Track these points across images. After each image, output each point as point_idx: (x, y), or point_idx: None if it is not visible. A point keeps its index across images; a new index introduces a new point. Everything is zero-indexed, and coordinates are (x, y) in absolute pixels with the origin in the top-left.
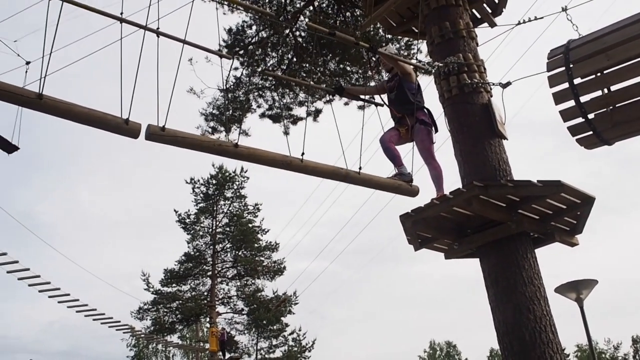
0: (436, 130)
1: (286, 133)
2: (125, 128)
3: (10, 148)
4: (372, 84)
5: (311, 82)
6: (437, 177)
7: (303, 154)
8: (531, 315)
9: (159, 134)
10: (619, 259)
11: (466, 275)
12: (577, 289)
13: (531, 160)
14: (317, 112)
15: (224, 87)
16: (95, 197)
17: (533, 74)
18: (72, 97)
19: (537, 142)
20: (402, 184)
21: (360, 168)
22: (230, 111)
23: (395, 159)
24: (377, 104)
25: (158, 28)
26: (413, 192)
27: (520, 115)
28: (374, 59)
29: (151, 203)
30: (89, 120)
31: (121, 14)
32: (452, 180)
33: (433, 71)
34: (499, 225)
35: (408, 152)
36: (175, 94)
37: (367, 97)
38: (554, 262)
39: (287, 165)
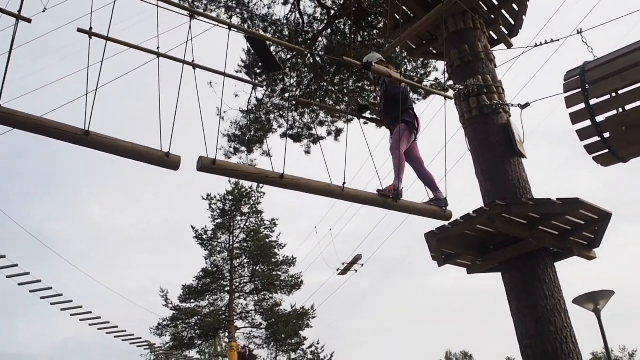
0: (417, 132)
1: (307, 152)
2: (166, 161)
3: (275, 66)
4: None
5: (342, 107)
6: (396, 166)
7: (344, 183)
8: (552, 328)
9: (210, 167)
10: (632, 266)
11: (481, 286)
12: (594, 300)
13: (545, 170)
14: (338, 131)
15: (247, 109)
16: (107, 213)
17: (550, 95)
18: (104, 125)
19: (551, 152)
20: (437, 209)
21: (396, 196)
22: (253, 132)
23: (430, 183)
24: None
25: (193, 61)
26: (447, 217)
27: (535, 127)
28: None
29: (165, 219)
30: (133, 155)
31: (158, 48)
32: (474, 198)
33: (453, 93)
34: (520, 241)
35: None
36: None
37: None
38: (568, 271)
39: (330, 193)
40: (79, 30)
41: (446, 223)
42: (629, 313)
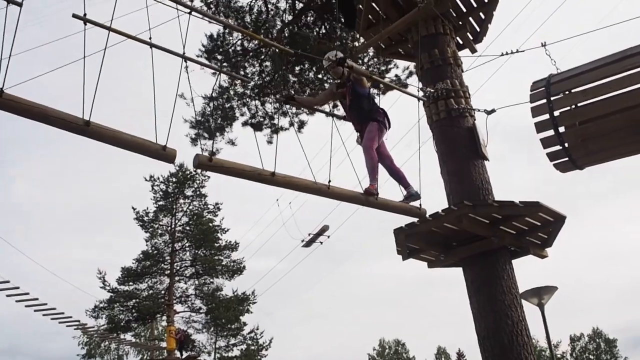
0: (387, 128)
1: (270, 142)
2: (162, 154)
3: (350, 22)
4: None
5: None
6: (372, 167)
7: (330, 181)
8: (509, 321)
9: (207, 164)
10: (561, 261)
11: (414, 276)
12: (539, 295)
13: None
14: (302, 123)
15: (211, 96)
16: (33, 191)
17: (517, 103)
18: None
19: (491, 147)
20: (412, 207)
21: (377, 194)
22: (213, 121)
23: (401, 180)
24: (340, 117)
25: (184, 53)
26: (421, 215)
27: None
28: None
29: (103, 199)
30: (131, 147)
31: (150, 38)
32: (438, 197)
33: (422, 95)
34: (482, 239)
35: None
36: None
37: (320, 106)
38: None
39: (317, 191)
40: (74, 16)
41: (416, 220)
42: (556, 305)
